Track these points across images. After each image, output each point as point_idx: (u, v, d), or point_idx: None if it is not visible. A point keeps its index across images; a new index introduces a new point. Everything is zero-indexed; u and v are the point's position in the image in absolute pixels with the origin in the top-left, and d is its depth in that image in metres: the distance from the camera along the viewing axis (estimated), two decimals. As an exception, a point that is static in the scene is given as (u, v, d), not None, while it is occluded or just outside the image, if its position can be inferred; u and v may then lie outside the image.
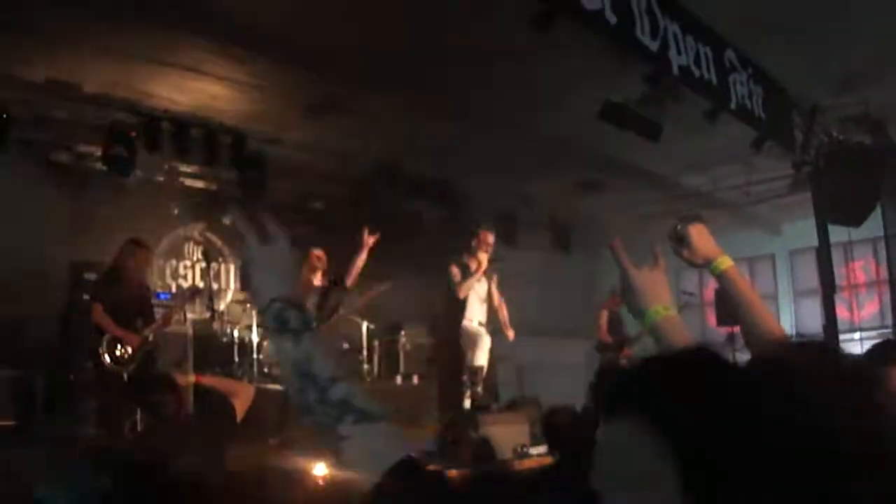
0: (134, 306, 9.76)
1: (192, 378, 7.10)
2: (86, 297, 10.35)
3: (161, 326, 10.06)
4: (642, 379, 1.43)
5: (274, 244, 2.11)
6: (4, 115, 10.53)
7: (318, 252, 10.78)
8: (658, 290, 2.63)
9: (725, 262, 2.98)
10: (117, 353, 9.37)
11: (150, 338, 9.75)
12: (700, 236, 3.10)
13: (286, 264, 2.08)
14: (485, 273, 11.47)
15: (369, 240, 10.69)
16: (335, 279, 10.76)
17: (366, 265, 11.06)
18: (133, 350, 9.42)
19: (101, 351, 9.31)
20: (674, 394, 1.34)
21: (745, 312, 2.84)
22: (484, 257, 11.26)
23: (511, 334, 11.66)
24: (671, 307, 2.57)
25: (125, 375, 9.27)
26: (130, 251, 9.95)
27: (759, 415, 1.27)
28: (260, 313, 1.94)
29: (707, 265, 3.03)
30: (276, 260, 2.09)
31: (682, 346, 2.23)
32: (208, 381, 7.17)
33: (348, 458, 1.64)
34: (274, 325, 1.89)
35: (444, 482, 1.95)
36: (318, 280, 10.62)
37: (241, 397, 6.57)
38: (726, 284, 2.98)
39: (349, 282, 10.76)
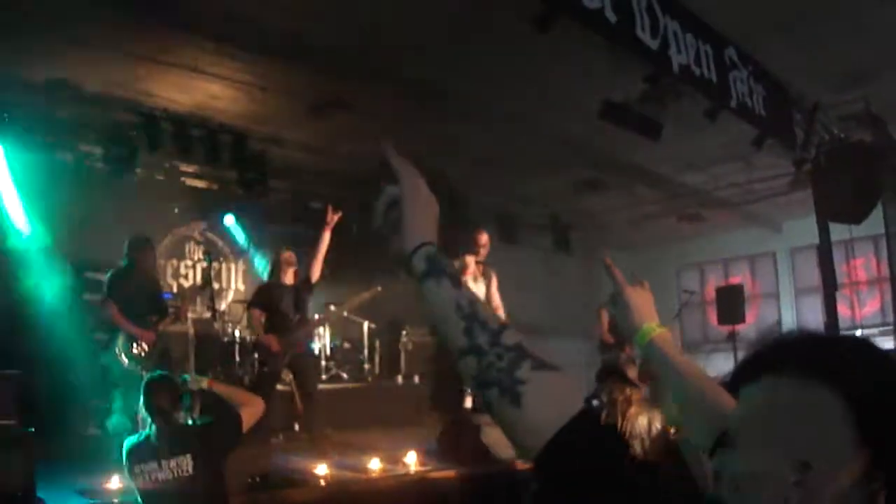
0: (146, 303, 9.81)
1: (204, 383, 7.09)
2: (85, 296, 10.37)
3: (173, 321, 10.19)
4: (814, 343, 1.48)
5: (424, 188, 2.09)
6: (5, 116, 10.55)
7: (287, 253, 10.75)
8: (649, 308, 2.65)
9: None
10: (134, 350, 9.41)
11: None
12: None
13: (434, 209, 2.05)
14: (482, 274, 11.44)
15: (332, 217, 10.58)
16: (305, 277, 10.73)
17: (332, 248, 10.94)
18: (149, 347, 9.47)
19: (117, 349, 9.34)
20: (852, 359, 1.40)
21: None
22: (470, 259, 11.23)
23: None
24: (659, 325, 2.60)
25: (142, 373, 9.27)
26: (140, 248, 10.02)
27: None
28: (404, 259, 1.86)
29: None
30: (427, 203, 2.06)
31: (679, 361, 2.34)
32: (221, 388, 7.17)
33: (529, 403, 1.59)
34: (427, 267, 1.83)
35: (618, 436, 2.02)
36: (290, 279, 10.58)
37: (250, 409, 6.57)
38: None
39: (315, 265, 10.67)
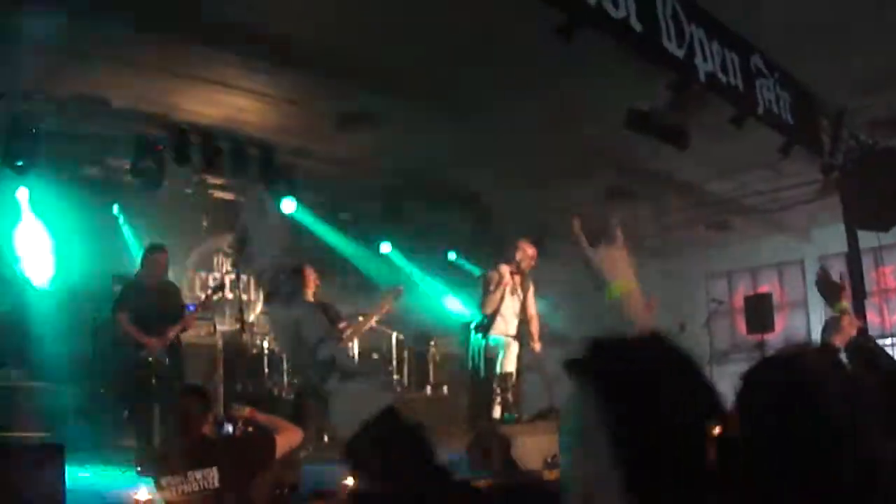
0: (158, 311, 9.89)
1: (246, 411, 7.13)
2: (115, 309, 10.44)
3: (182, 329, 10.18)
4: (592, 349, 1.49)
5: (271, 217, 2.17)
6: (34, 130, 10.63)
7: (308, 270, 10.77)
8: (618, 266, 2.63)
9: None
10: (142, 359, 9.51)
11: (172, 339, 9.89)
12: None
13: (282, 234, 2.14)
14: (521, 285, 11.44)
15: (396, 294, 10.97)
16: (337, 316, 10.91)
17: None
18: (155, 354, 9.56)
19: (126, 359, 9.42)
20: (610, 364, 1.43)
21: None
22: (506, 270, 11.22)
23: (537, 347, 11.59)
24: (632, 282, 2.56)
25: (153, 380, 9.33)
26: (150, 255, 10.24)
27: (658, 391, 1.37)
28: (260, 280, 1.96)
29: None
30: (272, 230, 2.15)
31: (640, 317, 2.30)
32: (261, 418, 7.21)
33: (335, 411, 1.70)
34: (269, 289, 1.94)
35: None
36: (310, 297, 10.59)
37: (288, 436, 6.58)
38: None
39: (352, 331, 10.93)
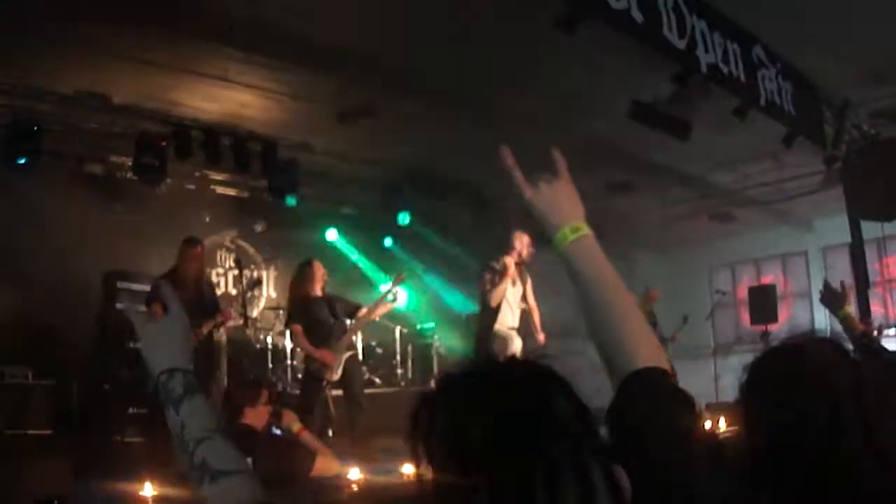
0: (190, 306, 9.61)
1: (296, 427, 7.20)
2: (119, 305, 10.39)
3: (219, 324, 10.11)
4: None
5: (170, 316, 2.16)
6: (35, 128, 10.63)
7: (316, 265, 10.75)
8: (564, 207, 2.21)
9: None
10: None
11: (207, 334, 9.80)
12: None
13: (180, 335, 2.12)
14: (519, 276, 11.43)
15: (401, 277, 11.10)
16: (352, 305, 10.86)
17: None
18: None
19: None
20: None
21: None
22: (511, 261, 11.20)
23: (542, 338, 11.58)
24: (583, 226, 2.15)
25: None
26: (184, 249, 10.04)
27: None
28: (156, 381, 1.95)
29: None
30: (164, 333, 2.12)
31: (600, 272, 2.04)
32: (308, 439, 7.30)
33: None
34: (161, 396, 1.92)
35: None
36: (319, 291, 10.58)
37: (325, 463, 6.62)
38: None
39: (366, 313, 10.85)
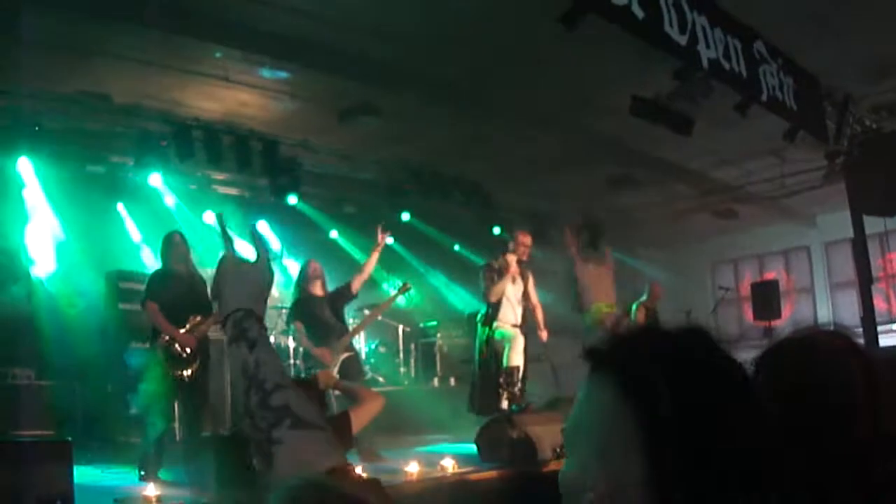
0: (188, 302, 9.32)
1: (330, 381, 7.21)
2: (122, 306, 10.34)
3: (214, 321, 9.17)
4: (619, 342, 1.41)
5: (253, 260, 2.15)
6: (37, 128, 10.63)
7: (314, 265, 10.73)
8: (603, 287, 2.48)
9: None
10: (174, 353, 8.98)
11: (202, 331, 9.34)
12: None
13: (258, 279, 2.12)
14: (520, 274, 11.43)
15: (383, 238, 10.67)
16: (342, 286, 10.75)
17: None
18: (191, 349, 9.04)
19: (157, 353, 9.06)
20: (644, 356, 1.34)
21: None
22: (513, 259, 11.20)
23: (545, 335, 11.58)
24: (614, 306, 2.41)
25: (185, 376, 9.01)
26: (167, 242, 9.69)
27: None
28: (223, 321, 1.96)
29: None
30: (249, 274, 2.12)
31: None
32: (341, 386, 7.32)
33: (278, 462, 1.66)
34: (233, 332, 1.93)
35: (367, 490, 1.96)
36: (319, 290, 10.56)
37: (366, 407, 6.64)
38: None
39: (358, 280, 10.73)
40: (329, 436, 1.45)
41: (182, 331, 8.98)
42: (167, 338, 8.90)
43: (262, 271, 1.73)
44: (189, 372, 8.96)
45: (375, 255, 10.73)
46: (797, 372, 1.68)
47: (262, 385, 1.51)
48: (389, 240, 10.80)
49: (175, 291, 9.15)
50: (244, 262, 1.75)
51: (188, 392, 8.99)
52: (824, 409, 1.59)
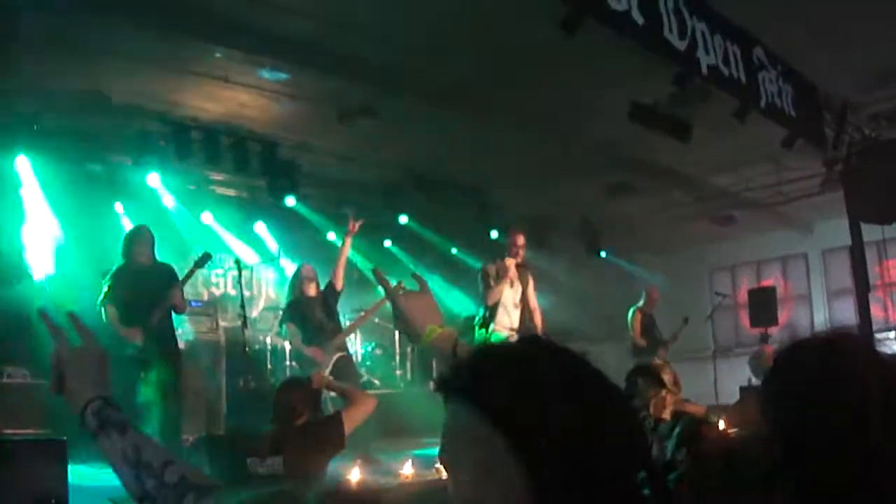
0: (148, 300, 9.22)
1: (323, 380, 7.24)
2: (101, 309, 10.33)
3: (165, 310, 9.41)
4: (470, 366, 1.45)
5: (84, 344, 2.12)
6: (36, 126, 10.62)
7: (306, 267, 10.73)
8: (430, 312, 2.53)
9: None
10: (126, 353, 8.87)
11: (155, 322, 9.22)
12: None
13: (99, 361, 2.09)
14: (519, 278, 11.42)
15: (354, 225, 10.61)
16: (326, 285, 10.72)
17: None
18: (141, 343, 8.95)
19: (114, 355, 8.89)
20: (493, 372, 1.38)
21: None
22: (511, 263, 11.19)
23: None
24: (439, 325, 2.45)
25: (140, 375, 8.92)
26: (130, 239, 9.62)
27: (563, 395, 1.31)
28: (79, 415, 1.93)
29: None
30: (86, 359, 2.08)
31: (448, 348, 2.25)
32: (334, 386, 7.32)
33: None
34: (96, 422, 1.90)
35: None
36: (312, 292, 10.56)
37: (358, 409, 6.67)
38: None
39: (339, 271, 10.70)
40: (226, 494, 1.49)
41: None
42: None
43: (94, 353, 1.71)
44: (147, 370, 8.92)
45: (348, 242, 10.68)
46: (814, 374, 1.68)
47: (150, 466, 1.51)
48: (359, 224, 10.69)
49: (134, 289, 9.18)
50: (76, 347, 1.73)
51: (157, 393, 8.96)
52: (840, 415, 1.58)
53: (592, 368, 1.42)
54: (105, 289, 9.34)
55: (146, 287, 9.29)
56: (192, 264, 9.87)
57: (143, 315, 9.10)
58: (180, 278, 9.63)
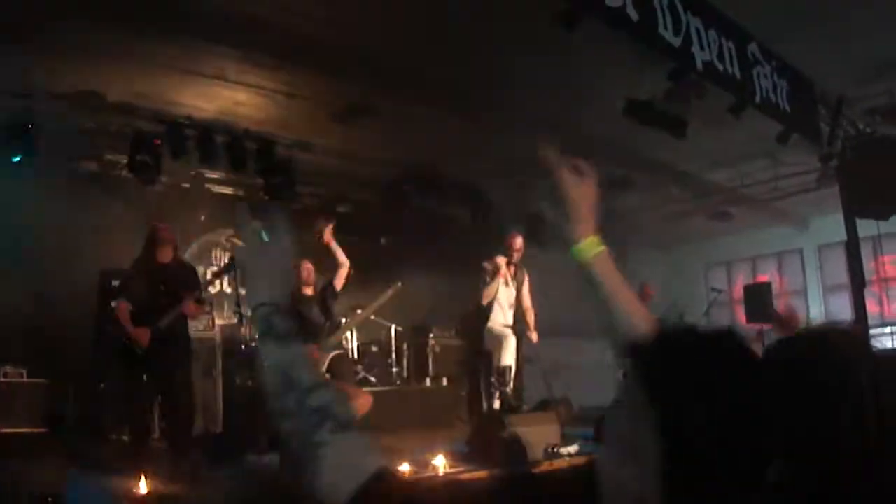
0: (159, 296, 9.05)
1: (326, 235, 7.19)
2: (113, 303, 10.29)
3: (179, 316, 9.13)
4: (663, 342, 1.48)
5: (275, 246, 2.06)
6: (30, 126, 10.60)
7: (303, 266, 10.70)
8: (590, 211, 2.32)
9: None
10: (135, 352, 8.75)
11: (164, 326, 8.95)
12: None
13: (284, 267, 2.04)
14: (514, 276, 11.45)
15: (326, 233, 10.42)
16: (325, 284, 10.68)
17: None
18: (144, 345, 8.74)
19: (117, 352, 8.90)
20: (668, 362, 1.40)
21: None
22: (502, 261, 11.22)
23: (535, 337, 11.58)
24: (600, 241, 2.26)
25: (144, 377, 8.82)
26: (149, 237, 9.44)
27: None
28: (251, 315, 1.91)
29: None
30: (274, 262, 2.04)
31: (621, 292, 2.18)
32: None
33: (323, 467, 1.61)
34: (262, 327, 1.87)
35: (419, 491, 1.97)
36: (310, 290, 10.54)
37: (356, 405, 6.68)
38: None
39: (338, 280, 10.65)
40: (370, 439, 1.44)
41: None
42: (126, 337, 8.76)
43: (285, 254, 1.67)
44: (152, 371, 8.83)
45: (332, 246, 10.55)
46: (808, 363, 1.67)
47: (299, 384, 1.48)
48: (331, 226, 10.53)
49: (148, 288, 9.01)
50: (268, 245, 1.68)
51: (155, 391, 8.90)
52: (831, 408, 1.58)
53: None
54: (119, 283, 9.25)
55: (163, 288, 9.13)
56: (214, 271, 9.87)
57: (155, 316, 8.91)
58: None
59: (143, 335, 8.74)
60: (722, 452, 1.30)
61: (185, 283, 9.42)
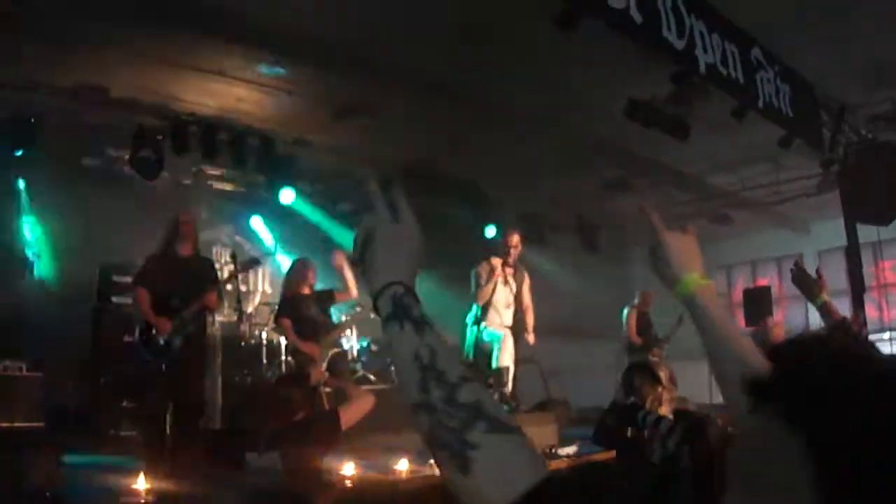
0: (180, 287, 8.97)
1: (322, 377, 7.20)
2: (115, 299, 10.28)
3: (201, 308, 9.12)
4: (787, 375, 1.32)
5: (403, 221, 1.92)
6: (32, 120, 10.60)
7: (302, 266, 10.68)
8: (693, 257, 2.40)
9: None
10: (154, 341, 8.72)
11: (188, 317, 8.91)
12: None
13: (410, 247, 1.89)
14: (513, 276, 11.46)
15: (341, 261, 10.39)
16: (326, 290, 10.68)
17: None
18: (168, 336, 8.71)
19: (135, 342, 8.91)
20: (816, 395, 1.26)
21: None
22: (497, 262, 11.23)
23: (532, 339, 11.58)
24: (706, 276, 2.35)
25: (162, 366, 8.78)
26: (168, 227, 9.31)
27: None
28: (373, 296, 1.76)
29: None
30: (400, 241, 1.90)
31: (723, 320, 2.18)
32: (331, 382, 7.32)
33: (478, 470, 1.47)
34: (391, 309, 1.72)
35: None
36: (307, 289, 10.53)
37: (357, 406, 6.68)
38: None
39: (343, 297, 10.62)
40: (529, 441, 1.36)
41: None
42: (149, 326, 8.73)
43: (412, 234, 1.61)
44: (172, 363, 8.78)
45: (350, 280, 10.47)
46: (825, 366, 1.65)
47: (443, 376, 1.40)
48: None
49: (167, 276, 8.92)
50: (398, 222, 1.62)
51: (170, 383, 8.86)
52: (846, 416, 1.56)
53: None
54: (138, 272, 9.19)
55: (184, 280, 9.06)
56: (236, 266, 9.89)
57: (177, 308, 8.88)
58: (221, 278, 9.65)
59: (164, 323, 8.73)
60: None
61: (206, 276, 9.44)
